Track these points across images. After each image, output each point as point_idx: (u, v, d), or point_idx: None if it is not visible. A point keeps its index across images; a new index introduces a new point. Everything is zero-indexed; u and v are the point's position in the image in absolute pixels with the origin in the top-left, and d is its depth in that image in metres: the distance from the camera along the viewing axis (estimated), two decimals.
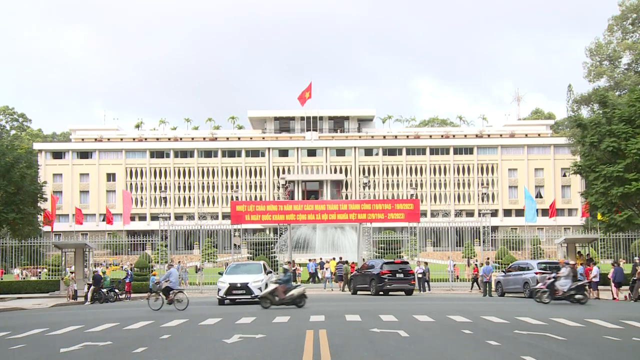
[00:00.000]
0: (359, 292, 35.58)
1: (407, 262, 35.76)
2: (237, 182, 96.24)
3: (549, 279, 26.11)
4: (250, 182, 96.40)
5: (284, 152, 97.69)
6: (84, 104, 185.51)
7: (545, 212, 77.72)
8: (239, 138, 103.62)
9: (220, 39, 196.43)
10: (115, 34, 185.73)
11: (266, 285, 25.31)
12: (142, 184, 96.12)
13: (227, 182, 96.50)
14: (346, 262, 41.63)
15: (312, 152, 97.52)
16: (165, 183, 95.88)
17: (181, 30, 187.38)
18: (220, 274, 28.63)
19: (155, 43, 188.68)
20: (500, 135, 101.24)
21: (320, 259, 49.80)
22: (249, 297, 26.16)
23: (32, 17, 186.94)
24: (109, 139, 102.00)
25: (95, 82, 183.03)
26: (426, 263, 40.66)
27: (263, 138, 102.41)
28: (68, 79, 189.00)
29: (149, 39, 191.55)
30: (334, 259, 45.13)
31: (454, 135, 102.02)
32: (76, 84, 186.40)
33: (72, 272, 37.83)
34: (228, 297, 26.31)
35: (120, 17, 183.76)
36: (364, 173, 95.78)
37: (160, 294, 24.94)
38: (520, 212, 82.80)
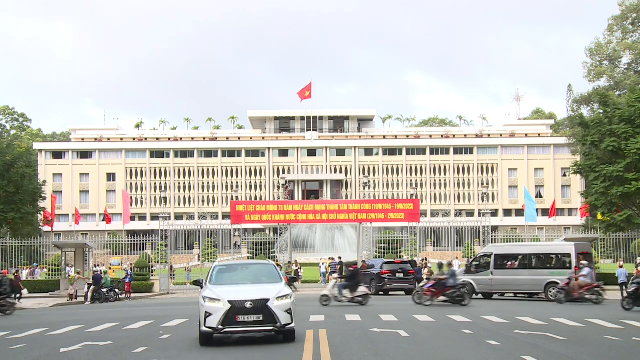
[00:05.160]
0: None
1: (407, 262, 35.82)
2: (237, 182, 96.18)
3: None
4: (250, 182, 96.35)
5: (284, 152, 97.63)
6: (83, 104, 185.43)
7: (545, 212, 77.69)
8: (239, 138, 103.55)
9: (219, 38, 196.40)
10: (112, 33, 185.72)
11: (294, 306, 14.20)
12: (142, 184, 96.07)
13: (227, 182, 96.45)
14: (342, 262, 41.84)
15: (312, 152, 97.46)
16: (165, 183, 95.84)
17: (180, 30, 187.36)
18: (199, 283, 15.34)
19: (155, 42, 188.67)
20: (500, 135, 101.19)
21: (321, 259, 49.90)
22: (270, 327, 13.67)
23: (28, 16, 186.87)
24: (109, 139, 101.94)
25: (94, 82, 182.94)
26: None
27: (263, 138, 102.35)
28: (67, 79, 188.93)
29: (147, 38, 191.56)
30: (332, 259, 45.28)
31: (454, 135, 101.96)
32: (74, 84, 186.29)
33: (77, 272, 37.92)
34: (229, 329, 13.55)
35: (117, 15, 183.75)
36: (364, 173, 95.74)
37: None
38: (520, 212, 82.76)
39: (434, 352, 12.69)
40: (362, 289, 24.76)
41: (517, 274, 28.92)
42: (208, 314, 13.49)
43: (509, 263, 29.52)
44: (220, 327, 13.41)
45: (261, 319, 13.42)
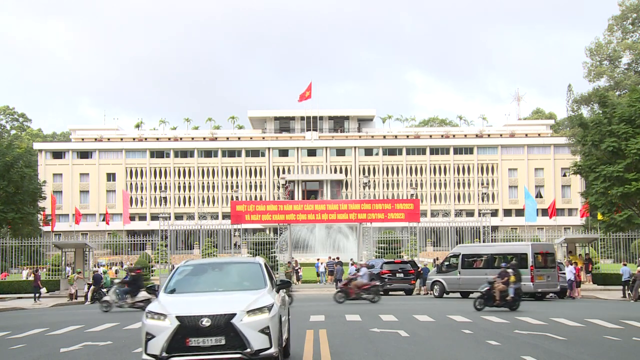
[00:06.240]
0: None
1: (407, 262, 35.87)
2: (237, 182, 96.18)
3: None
4: (250, 182, 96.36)
5: (284, 152, 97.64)
6: (82, 104, 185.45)
7: (545, 212, 77.55)
8: (239, 138, 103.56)
9: (219, 38, 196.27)
10: (112, 33, 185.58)
11: (279, 324, 10.34)
12: (142, 184, 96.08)
13: (227, 182, 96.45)
14: (341, 262, 41.92)
15: (312, 152, 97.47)
16: (165, 183, 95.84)
17: (179, 30, 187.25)
18: (153, 290, 12.43)
19: (155, 42, 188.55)
20: (500, 135, 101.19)
21: (318, 259, 49.96)
22: (237, 355, 9.77)
23: (27, 16, 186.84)
24: (109, 139, 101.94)
25: (94, 82, 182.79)
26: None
27: (263, 138, 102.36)
28: (67, 79, 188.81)
29: (147, 38, 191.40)
30: (331, 258, 45.41)
31: (454, 135, 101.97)
32: (74, 84, 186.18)
33: (78, 272, 37.96)
34: (176, 357, 9.78)
35: (117, 15, 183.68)
36: (364, 173, 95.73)
37: None
38: (520, 212, 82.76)
39: (434, 352, 12.69)
40: (143, 294, 25.01)
41: (481, 273, 29.78)
42: (149, 336, 9.78)
43: (475, 263, 30.59)
44: (164, 354, 9.63)
45: (223, 342, 9.61)
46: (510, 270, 22.52)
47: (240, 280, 11.17)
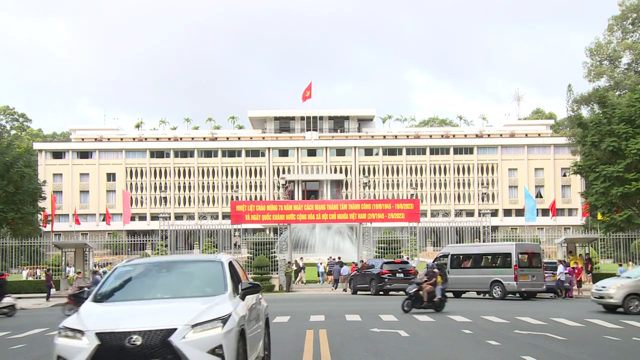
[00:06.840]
0: (359, 292, 35.66)
1: (407, 262, 35.91)
2: (237, 182, 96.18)
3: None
4: (250, 182, 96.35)
5: (284, 152, 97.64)
6: (81, 104, 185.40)
7: (545, 212, 77.71)
8: (239, 138, 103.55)
9: (218, 38, 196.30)
10: (112, 33, 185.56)
11: (240, 342, 7.98)
12: (142, 184, 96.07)
13: (227, 182, 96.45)
14: (341, 262, 42.00)
15: (312, 152, 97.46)
16: (165, 183, 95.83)
17: (179, 30, 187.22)
18: (80, 297, 10.70)
19: (154, 42, 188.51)
20: (500, 135, 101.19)
21: (319, 259, 50.03)
22: None
23: (27, 16, 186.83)
24: (109, 139, 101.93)
25: (94, 82, 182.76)
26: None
27: (263, 138, 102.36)
28: (67, 79, 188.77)
29: (147, 37, 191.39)
30: (332, 258, 45.43)
31: (454, 135, 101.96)
32: (74, 84, 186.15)
33: (78, 272, 38.01)
34: None
35: (117, 15, 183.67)
36: (364, 173, 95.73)
37: None
38: (520, 212, 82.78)
39: (434, 352, 12.69)
40: (7, 300, 25.29)
41: (468, 273, 30.57)
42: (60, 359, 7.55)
43: (463, 263, 31.10)
44: None
45: None
46: (436, 271, 22.40)
47: (194, 284, 8.82)
